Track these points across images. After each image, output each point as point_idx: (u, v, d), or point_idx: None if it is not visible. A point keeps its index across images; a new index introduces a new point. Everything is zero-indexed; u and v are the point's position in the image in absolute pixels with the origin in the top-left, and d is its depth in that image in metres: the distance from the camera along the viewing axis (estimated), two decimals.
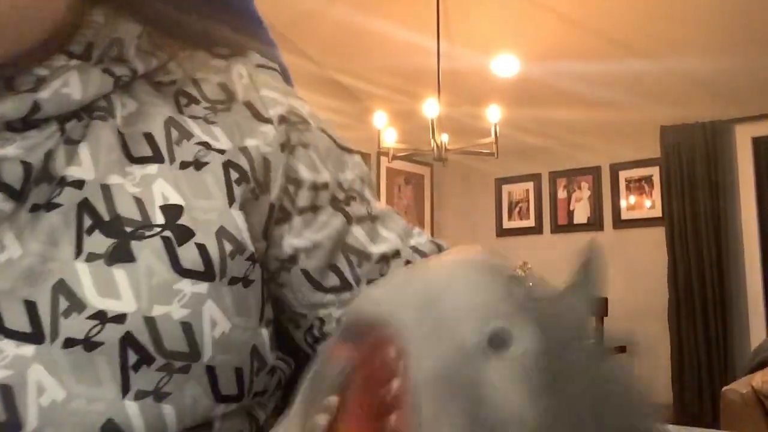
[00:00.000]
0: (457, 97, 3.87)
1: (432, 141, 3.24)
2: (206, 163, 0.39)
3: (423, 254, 0.46)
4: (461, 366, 0.23)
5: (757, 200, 4.17)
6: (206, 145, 0.40)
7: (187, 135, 0.40)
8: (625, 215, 4.61)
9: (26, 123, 0.36)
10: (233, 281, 0.38)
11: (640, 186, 4.57)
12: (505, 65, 3.68)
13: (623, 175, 4.63)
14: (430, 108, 3.15)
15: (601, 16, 3.43)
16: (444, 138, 3.33)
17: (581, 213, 4.81)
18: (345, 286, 0.43)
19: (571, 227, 4.83)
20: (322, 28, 3.77)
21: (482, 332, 0.23)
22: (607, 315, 3.97)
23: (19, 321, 0.33)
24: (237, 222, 0.39)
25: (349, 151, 0.48)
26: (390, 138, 3.40)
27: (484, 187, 5.26)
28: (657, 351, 4.35)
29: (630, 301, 4.41)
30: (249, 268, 0.39)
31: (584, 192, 4.81)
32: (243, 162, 0.40)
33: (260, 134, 0.42)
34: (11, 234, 0.34)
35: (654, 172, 4.49)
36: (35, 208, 0.35)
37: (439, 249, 0.48)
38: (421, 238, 0.47)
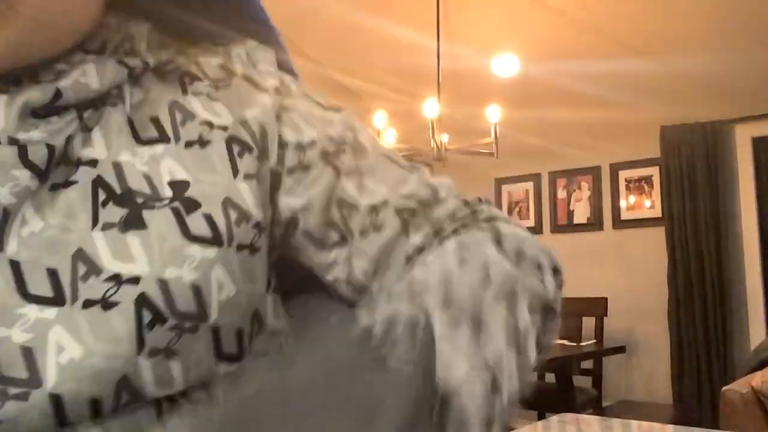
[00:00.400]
0: (457, 96, 3.87)
1: (432, 141, 3.23)
2: (209, 141, 0.43)
3: (414, 199, 0.47)
4: None
5: (757, 200, 4.17)
6: (209, 124, 0.43)
7: (191, 116, 0.44)
8: (624, 215, 4.60)
9: (48, 110, 0.39)
10: (240, 248, 0.41)
11: (639, 186, 4.57)
12: (505, 65, 3.68)
13: (623, 175, 4.63)
14: (430, 108, 3.15)
15: (601, 16, 3.43)
16: (444, 138, 3.32)
17: (581, 213, 4.81)
18: (343, 240, 0.45)
19: (570, 227, 4.83)
20: (321, 26, 3.77)
21: None
22: (606, 314, 3.97)
23: (42, 287, 0.35)
24: (242, 192, 0.42)
25: (336, 109, 0.49)
26: (390, 138, 3.40)
27: (484, 187, 5.26)
28: (656, 351, 4.35)
29: (629, 301, 4.41)
30: (255, 235, 0.42)
31: (584, 192, 4.81)
32: (244, 134, 0.44)
33: (259, 104, 0.45)
34: (33, 210, 0.37)
35: (654, 172, 4.49)
36: (54, 187, 0.38)
37: (432, 191, 0.48)
38: (412, 185, 0.47)
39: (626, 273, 4.50)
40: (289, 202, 0.45)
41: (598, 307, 3.96)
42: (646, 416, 3.23)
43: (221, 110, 0.44)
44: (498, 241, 0.42)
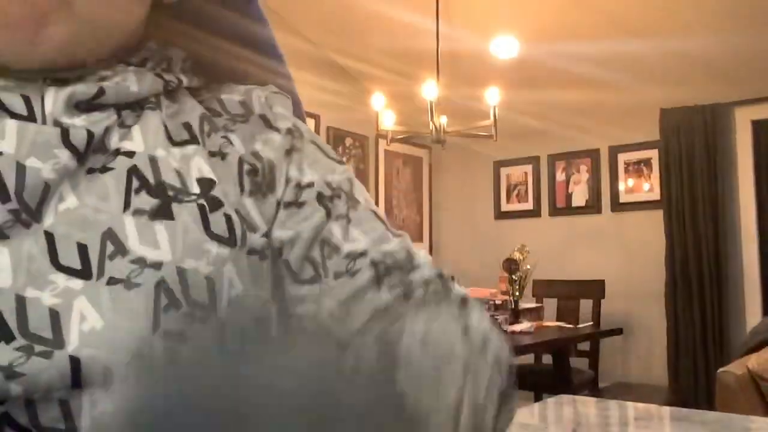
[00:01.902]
0: (456, 79, 3.86)
1: (430, 123, 3.22)
2: (227, 154, 0.47)
3: (392, 258, 0.48)
4: None
5: (756, 183, 4.17)
6: (228, 140, 0.48)
7: (216, 129, 0.48)
8: (623, 198, 4.61)
9: (90, 105, 0.43)
10: (251, 252, 0.44)
11: (638, 169, 4.57)
12: (505, 47, 3.65)
13: (622, 157, 4.63)
14: (429, 90, 3.14)
15: None
16: (443, 120, 3.31)
17: (580, 196, 4.81)
18: (317, 278, 0.46)
19: (569, 210, 4.83)
20: (320, 7, 3.74)
21: None
22: (604, 297, 3.99)
23: (71, 259, 0.39)
24: (247, 206, 0.46)
25: (339, 161, 0.53)
26: (388, 120, 3.39)
27: (483, 169, 5.26)
28: (653, 333, 4.38)
29: (627, 283, 4.43)
30: (264, 245, 0.46)
31: (583, 175, 4.81)
32: (253, 162, 0.48)
33: (269, 140, 0.49)
34: (70, 189, 0.41)
35: (653, 154, 4.48)
36: (91, 171, 0.42)
37: (410, 257, 0.49)
38: (393, 245, 0.49)
39: (624, 256, 4.51)
40: (280, 234, 0.47)
41: (595, 289, 3.98)
42: (642, 398, 3.26)
43: (235, 140, 0.49)
44: (466, 332, 0.42)
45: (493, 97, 3.16)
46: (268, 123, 0.50)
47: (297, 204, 0.48)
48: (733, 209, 4.21)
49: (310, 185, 0.49)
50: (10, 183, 0.39)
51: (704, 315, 4.12)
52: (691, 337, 4.14)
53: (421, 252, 0.51)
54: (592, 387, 3.64)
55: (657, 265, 4.33)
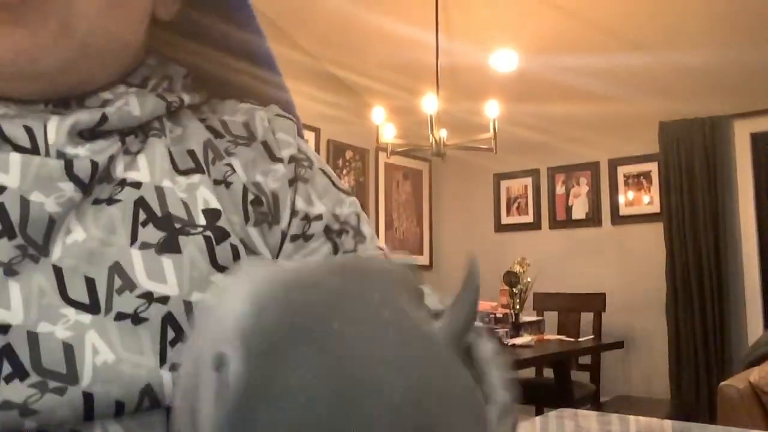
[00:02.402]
0: (456, 92, 3.87)
1: (430, 136, 3.23)
2: (232, 183, 0.47)
3: None
4: (192, 376, 0.25)
5: (755, 196, 4.17)
6: (231, 167, 0.47)
7: (220, 156, 0.48)
8: (623, 211, 4.61)
9: (94, 133, 0.43)
10: None
11: (638, 182, 4.58)
12: (504, 60, 3.67)
13: (622, 170, 4.63)
14: (429, 103, 3.15)
15: (600, 10, 3.43)
16: (443, 133, 3.32)
17: (579, 209, 4.81)
18: None
19: (569, 223, 4.83)
20: (319, 20, 3.76)
21: (212, 353, 0.24)
22: (604, 310, 3.98)
23: (79, 293, 0.38)
24: (252, 236, 0.46)
25: (346, 192, 0.53)
26: (388, 133, 3.40)
27: (483, 182, 5.26)
28: (654, 346, 4.36)
29: (627, 296, 4.42)
30: None
31: (582, 188, 4.81)
32: (256, 192, 0.47)
33: (271, 171, 0.48)
34: (76, 221, 0.40)
35: (652, 167, 4.49)
36: (97, 202, 0.41)
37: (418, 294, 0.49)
38: None
39: (624, 269, 4.50)
40: (268, 257, 0.47)
41: (596, 302, 3.97)
42: (644, 411, 3.24)
43: (238, 167, 0.48)
44: None
45: (492, 110, 3.17)
46: (270, 152, 0.49)
47: (304, 237, 0.48)
48: (734, 222, 4.21)
49: (319, 218, 0.48)
50: (15, 218, 0.38)
51: (705, 328, 4.11)
52: (693, 351, 4.13)
53: (426, 287, 0.51)
54: (593, 401, 3.62)
55: (657, 278, 4.32)
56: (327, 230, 0.48)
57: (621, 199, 4.62)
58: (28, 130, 0.41)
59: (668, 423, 1.09)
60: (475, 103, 3.44)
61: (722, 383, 2.29)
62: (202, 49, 0.54)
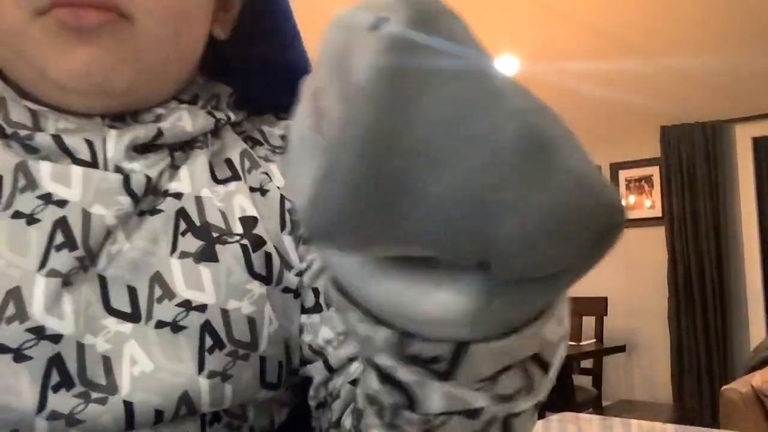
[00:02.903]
0: None
1: None
2: (268, 191, 0.48)
3: None
4: (345, 40, 0.23)
5: (757, 200, 4.17)
6: (268, 176, 0.49)
7: (256, 165, 0.49)
8: (625, 215, 4.61)
9: (146, 148, 0.45)
10: (286, 290, 0.46)
11: (640, 186, 4.58)
12: (504, 65, 3.68)
13: (623, 174, 4.63)
14: None
15: (601, 15, 3.43)
16: None
17: None
18: (316, 308, 0.47)
19: None
20: (322, 25, 3.77)
21: (367, 16, 0.22)
22: (606, 314, 3.97)
23: (122, 302, 0.40)
24: (285, 244, 0.47)
25: None
26: None
27: None
28: (656, 350, 4.35)
29: (630, 301, 4.41)
30: (299, 282, 0.47)
31: None
32: None
33: None
34: (122, 231, 0.42)
35: (654, 171, 4.49)
36: (142, 213, 0.43)
37: None
38: None
39: (626, 272, 4.50)
40: (299, 265, 0.48)
41: (598, 306, 3.96)
42: (646, 416, 3.24)
43: (276, 172, 0.50)
44: None
45: None
46: None
47: None
48: (736, 226, 4.20)
49: None
50: (77, 231, 0.40)
51: (708, 332, 4.10)
52: (695, 354, 4.12)
53: None
54: (595, 405, 3.62)
55: (659, 282, 4.32)
56: None
57: (623, 203, 4.62)
58: (89, 144, 0.42)
59: (671, 427, 1.09)
60: None
61: (724, 387, 2.29)
62: (246, 67, 0.56)
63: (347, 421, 0.40)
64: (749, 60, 3.62)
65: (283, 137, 0.53)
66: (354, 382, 0.42)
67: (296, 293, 0.47)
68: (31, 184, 0.41)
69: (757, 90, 3.89)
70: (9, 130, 0.42)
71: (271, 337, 0.44)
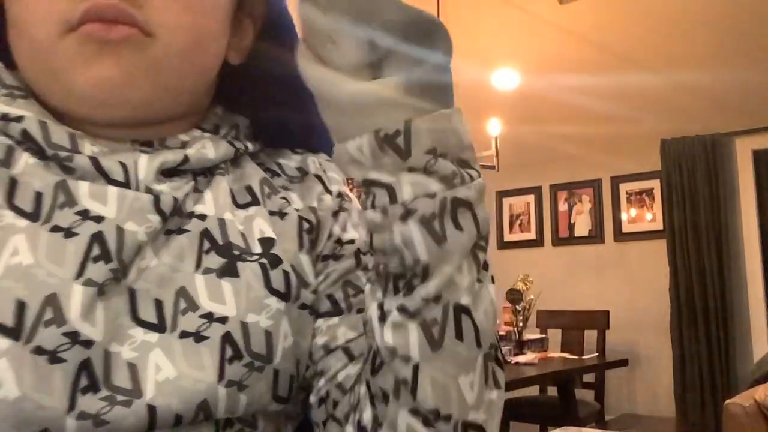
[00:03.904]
0: None
1: None
2: (287, 214, 0.52)
3: None
4: None
5: (758, 213, 4.17)
6: (287, 201, 0.53)
7: (275, 191, 0.54)
8: (626, 228, 4.61)
9: (172, 172, 0.48)
10: (303, 307, 0.49)
11: (641, 199, 4.58)
12: (506, 79, 3.70)
13: (624, 187, 4.64)
14: None
15: (601, 30, 3.46)
16: None
17: (582, 226, 4.81)
18: (335, 311, 0.51)
19: (572, 240, 4.83)
20: None
21: None
22: (608, 327, 3.96)
23: (148, 313, 0.43)
24: (302, 263, 0.51)
25: None
26: None
27: (485, 200, 5.27)
28: (659, 363, 4.33)
29: (632, 314, 4.40)
30: (315, 300, 0.51)
31: (585, 205, 4.82)
32: (311, 217, 0.53)
33: (322, 200, 0.55)
34: (151, 248, 0.45)
35: (655, 184, 4.50)
36: (168, 232, 0.46)
37: None
38: None
39: (628, 286, 4.49)
40: (312, 280, 0.52)
41: (599, 320, 3.95)
42: (649, 430, 3.22)
43: (295, 198, 0.54)
44: None
45: (494, 128, 3.18)
46: (324, 184, 0.56)
47: (334, 257, 0.53)
48: (737, 238, 4.20)
49: (351, 242, 0.54)
50: (112, 245, 0.43)
51: (710, 345, 4.09)
52: (698, 368, 4.10)
53: None
54: (598, 419, 3.59)
55: (661, 295, 4.31)
56: (356, 252, 0.54)
57: (624, 216, 4.62)
58: (123, 166, 0.46)
59: None
60: (477, 121, 3.46)
61: (728, 401, 2.28)
62: (262, 98, 0.60)
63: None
64: (749, 73, 3.64)
65: (299, 170, 0.57)
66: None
67: (311, 309, 0.50)
68: (70, 201, 0.44)
69: (757, 103, 3.90)
70: (50, 152, 0.45)
71: (285, 351, 0.47)
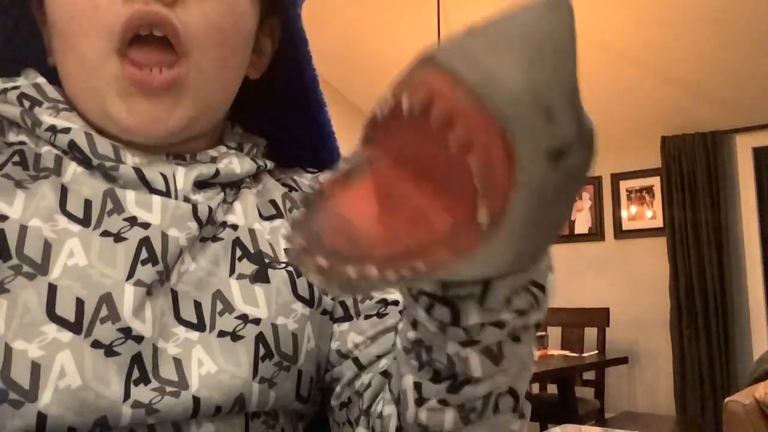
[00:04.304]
0: None
1: None
2: None
3: None
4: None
5: (758, 210, 4.17)
6: None
7: (296, 205, 0.58)
8: (626, 225, 4.60)
9: (204, 184, 0.52)
10: (324, 312, 0.53)
11: (641, 196, 4.58)
12: None
13: (624, 185, 4.63)
14: None
15: (600, 27, 3.45)
16: None
17: (582, 223, 4.81)
18: (346, 317, 0.54)
19: (572, 237, 4.83)
20: (325, 41, 3.79)
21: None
22: (608, 325, 3.96)
23: (189, 314, 0.47)
24: None
25: None
26: None
27: None
28: (659, 361, 4.33)
29: (632, 311, 4.40)
30: (334, 305, 0.54)
31: (585, 202, 4.82)
32: None
33: None
34: (189, 254, 0.49)
35: (655, 182, 4.49)
36: (204, 240, 0.50)
37: None
38: None
39: (628, 283, 4.49)
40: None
41: (600, 317, 3.95)
42: (649, 428, 3.22)
43: None
44: None
45: None
46: None
47: None
48: (737, 236, 4.20)
49: None
50: (158, 249, 0.47)
51: (710, 343, 4.09)
52: (698, 366, 4.10)
53: None
54: (598, 417, 3.60)
55: (661, 293, 4.31)
56: None
57: (624, 214, 4.62)
58: (163, 177, 0.49)
59: None
60: None
61: (728, 399, 2.28)
62: (274, 120, 0.64)
63: (377, 408, 0.47)
64: (749, 70, 3.63)
65: (312, 187, 0.60)
66: (385, 374, 0.48)
67: (332, 315, 0.54)
68: (118, 208, 0.47)
69: (757, 100, 3.89)
70: (95, 162, 0.48)
71: (308, 353, 0.50)
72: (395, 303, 0.54)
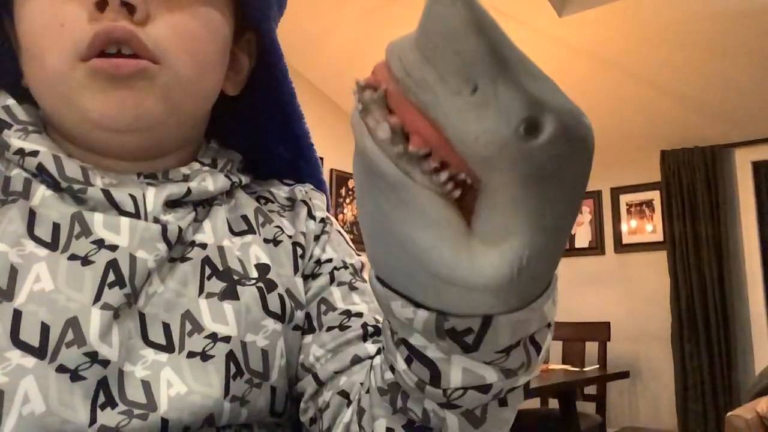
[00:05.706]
0: None
1: None
2: (281, 241, 0.56)
3: None
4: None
5: (758, 224, 4.17)
6: (281, 229, 0.57)
7: (269, 220, 0.57)
8: (626, 239, 4.60)
9: (176, 203, 0.51)
10: (296, 328, 0.53)
11: (641, 210, 4.58)
12: None
13: (624, 199, 4.64)
14: None
15: (600, 42, 3.47)
16: None
17: (582, 237, 4.81)
18: (309, 329, 0.54)
19: (572, 251, 4.83)
20: (322, 50, 3.81)
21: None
22: (609, 339, 3.95)
23: (157, 336, 0.46)
24: (298, 286, 0.54)
25: (356, 252, 0.61)
26: None
27: None
28: (660, 375, 4.32)
29: (632, 325, 4.39)
30: (305, 321, 0.54)
31: (585, 216, 4.82)
32: (303, 241, 0.57)
33: (307, 225, 0.59)
34: (158, 275, 0.48)
35: (655, 196, 4.50)
36: (173, 260, 0.50)
37: None
38: None
39: (629, 297, 4.48)
40: (305, 303, 0.55)
41: (601, 331, 3.94)
42: None
43: (287, 224, 0.58)
44: None
45: None
46: (308, 211, 0.60)
47: (313, 276, 0.56)
48: (738, 250, 4.20)
49: (328, 261, 0.57)
50: (125, 271, 0.46)
51: (712, 357, 4.07)
52: (699, 380, 4.09)
53: None
54: (599, 431, 3.57)
55: (662, 307, 4.30)
56: (332, 270, 0.57)
57: (624, 228, 4.62)
58: (132, 198, 0.49)
59: None
60: None
61: (730, 413, 2.27)
62: (253, 133, 0.64)
63: (338, 430, 0.46)
64: (748, 85, 3.65)
65: (288, 199, 0.61)
66: (342, 393, 0.48)
67: (303, 331, 0.53)
68: (86, 231, 0.47)
69: (757, 114, 3.91)
70: (64, 184, 0.48)
71: (281, 369, 0.50)
72: (359, 315, 0.53)
